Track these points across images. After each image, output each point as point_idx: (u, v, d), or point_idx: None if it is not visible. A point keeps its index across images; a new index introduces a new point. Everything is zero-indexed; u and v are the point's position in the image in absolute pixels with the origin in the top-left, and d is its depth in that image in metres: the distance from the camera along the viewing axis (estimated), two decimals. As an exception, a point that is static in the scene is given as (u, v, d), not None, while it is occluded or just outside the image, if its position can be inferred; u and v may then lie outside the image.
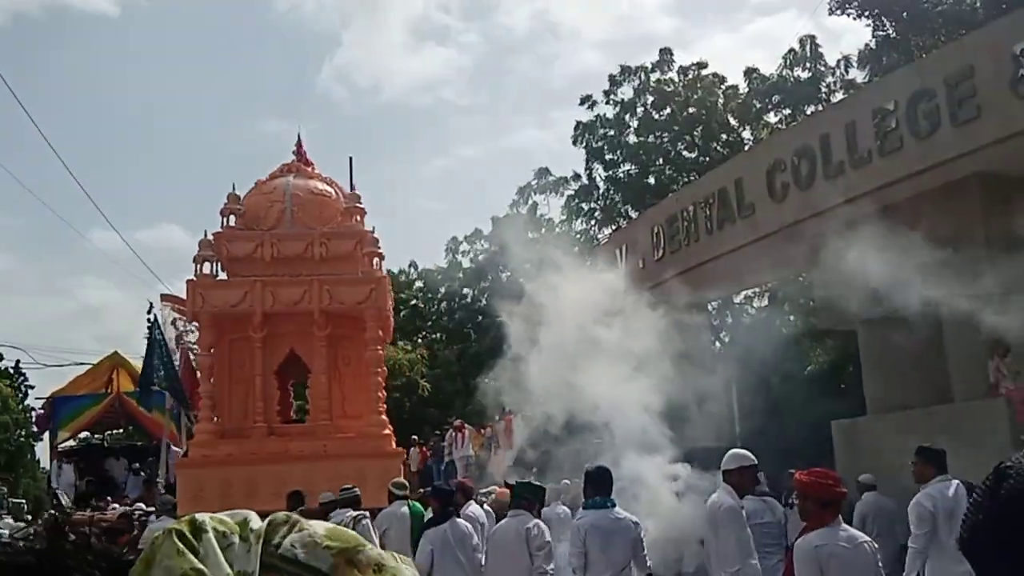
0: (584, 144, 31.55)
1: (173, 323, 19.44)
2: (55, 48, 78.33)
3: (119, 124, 79.59)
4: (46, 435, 24.92)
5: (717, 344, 25.09)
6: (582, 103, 31.75)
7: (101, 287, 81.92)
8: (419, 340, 33.74)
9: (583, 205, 32.12)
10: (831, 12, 25.59)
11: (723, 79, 30.62)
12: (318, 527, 1.11)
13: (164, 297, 20.06)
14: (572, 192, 32.42)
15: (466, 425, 21.39)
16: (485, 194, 71.30)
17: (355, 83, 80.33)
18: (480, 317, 33.06)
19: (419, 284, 37.35)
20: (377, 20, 77.70)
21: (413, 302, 35.92)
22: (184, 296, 16.60)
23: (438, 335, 35.67)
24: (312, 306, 15.22)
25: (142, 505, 14.95)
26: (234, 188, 16.22)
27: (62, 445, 23.56)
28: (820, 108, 24.56)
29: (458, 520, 8.78)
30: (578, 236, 30.17)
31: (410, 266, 37.88)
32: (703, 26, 66.97)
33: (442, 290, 36.39)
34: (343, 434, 15.47)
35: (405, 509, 10.51)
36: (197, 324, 16.20)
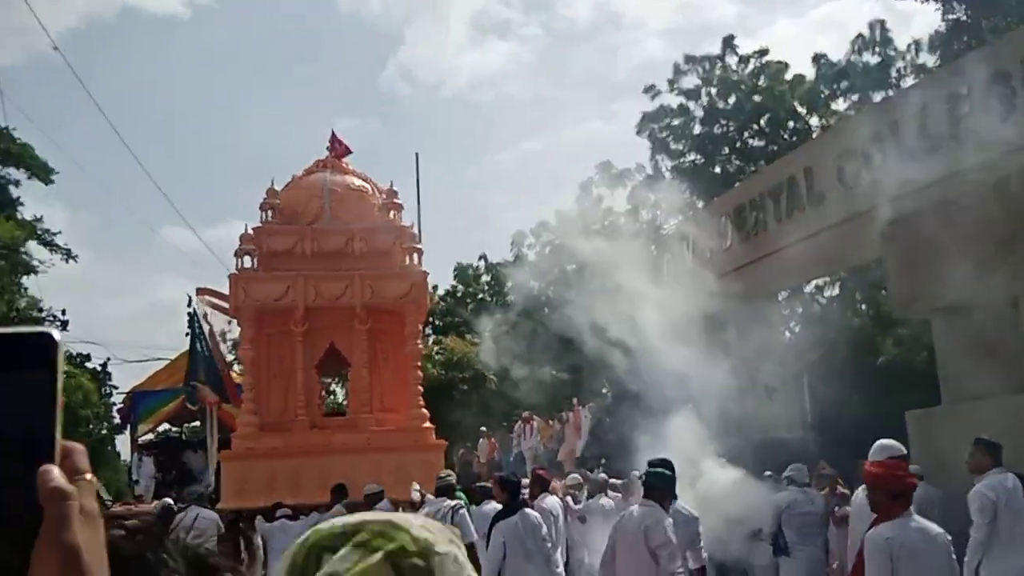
0: (649, 134, 31.33)
1: (205, 317, 19.62)
2: (127, 49, 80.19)
3: (189, 123, 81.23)
4: (127, 428, 25.62)
5: (787, 334, 24.81)
6: (646, 92, 31.56)
7: (178, 284, 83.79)
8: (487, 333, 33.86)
9: (649, 196, 31.93)
10: (899, -4, 25.12)
11: (787, 66, 30.17)
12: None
13: (200, 291, 20.02)
14: (637, 183, 32.24)
15: (535, 416, 21.46)
16: (552, 186, 71.15)
17: (419, 79, 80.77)
18: (546, 310, 33.07)
19: (485, 278, 37.50)
20: (439, 16, 77.93)
21: (480, 296, 36.10)
22: (218, 290, 16.78)
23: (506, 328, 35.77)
24: (354, 300, 15.40)
25: (170, 500, 14.74)
26: (272, 183, 16.38)
27: (142, 438, 24.21)
28: (890, 94, 24.07)
29: (528, 511, 8.87)
30: (644, 227, 29.99)
31: (480, 259, 38.09)
32: (768, 12, 65.93)
33: (509, 283, 36.52)
34: (383, 427, 15.64)
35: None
36: (238, 319, 16.38)
